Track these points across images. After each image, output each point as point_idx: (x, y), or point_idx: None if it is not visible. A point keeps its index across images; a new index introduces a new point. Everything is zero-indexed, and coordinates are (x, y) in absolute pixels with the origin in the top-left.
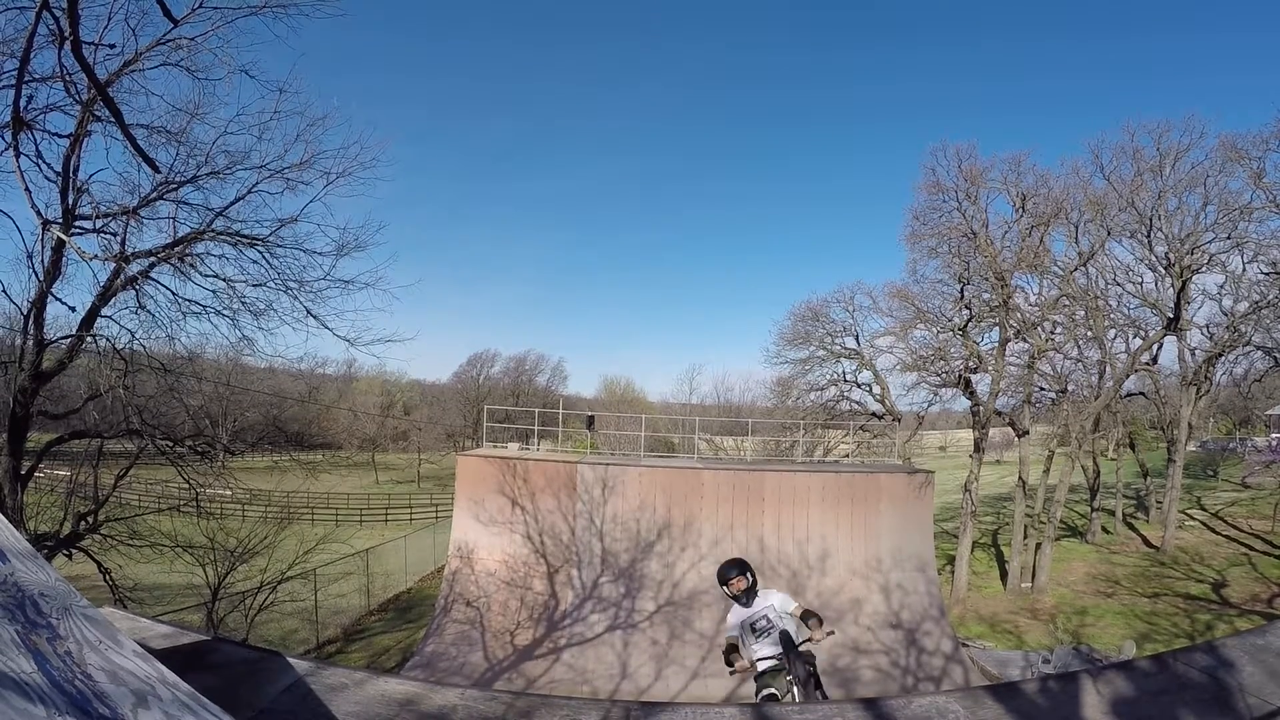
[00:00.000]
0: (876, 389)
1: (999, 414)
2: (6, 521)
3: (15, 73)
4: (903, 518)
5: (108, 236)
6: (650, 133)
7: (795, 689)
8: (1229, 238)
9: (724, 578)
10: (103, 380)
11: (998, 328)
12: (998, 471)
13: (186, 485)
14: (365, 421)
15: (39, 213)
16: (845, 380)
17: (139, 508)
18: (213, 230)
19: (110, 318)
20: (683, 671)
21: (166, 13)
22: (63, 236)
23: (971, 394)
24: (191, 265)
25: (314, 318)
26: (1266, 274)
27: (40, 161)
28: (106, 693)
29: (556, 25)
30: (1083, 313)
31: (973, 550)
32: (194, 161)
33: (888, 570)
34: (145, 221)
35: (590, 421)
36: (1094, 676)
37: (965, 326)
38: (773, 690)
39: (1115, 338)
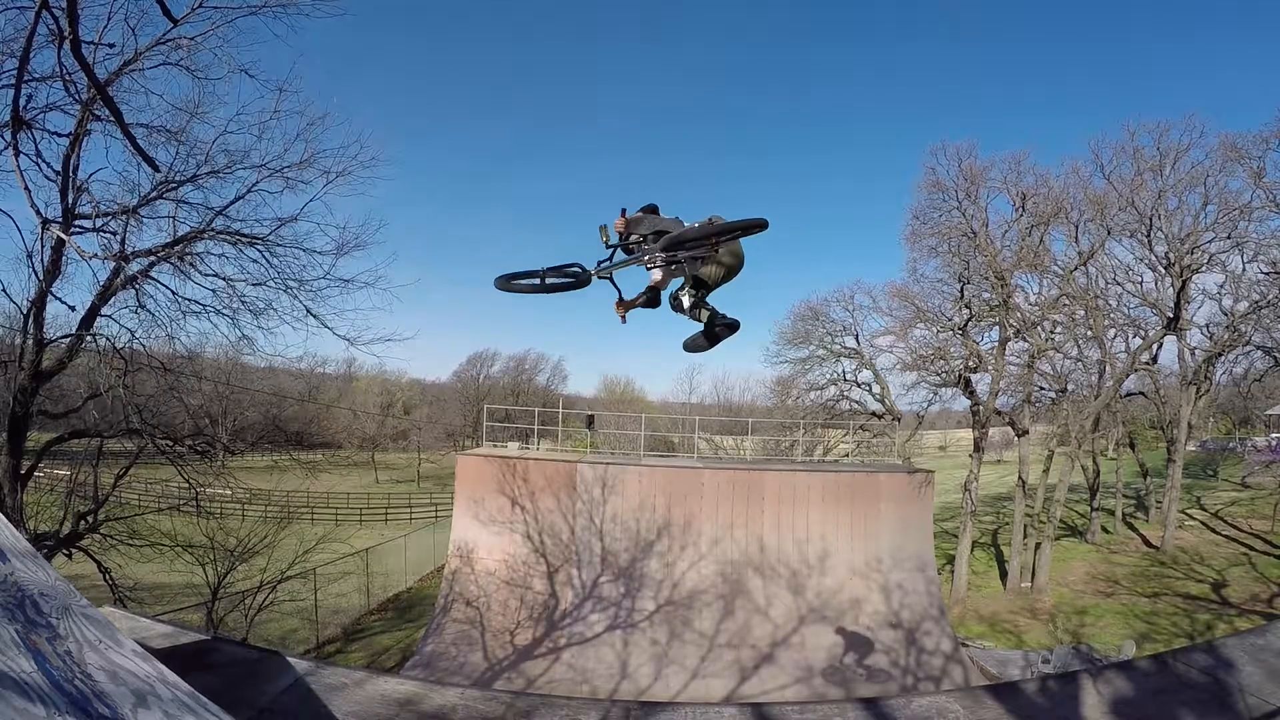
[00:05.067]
0: (876, 388)
1: (999, 413)
2: (6, 521)
3: (15, 72)
4: (903, 517)
5: (107, 235)
6: (650, 133)
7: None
8: (1229, 237)
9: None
10: (103, 379)
11: (998, 327)
12: (998, 471)
13: (186, 485)
14: (365, 421)
15: (39, 212)
16: (845, 380)
17: (139, 507)
18: (212, 229)
19: (110, 317)
20: (683, 671)
21: (166, 12)
22: (62, 235)
23: (971, 393)
24: (191, 264)
25: (314, 317)
26: (1266, 274)
27: (40, 161)
28: (106, 692)
29: (557, 26)
30: (1083, 312)
31: (973, 550)
32: (194, 161)
33: (888, 570)
34: (145, 221)
35: (590, 421)
36: (1094, 676)
37: (965, 326)
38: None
39: (1115, 337)
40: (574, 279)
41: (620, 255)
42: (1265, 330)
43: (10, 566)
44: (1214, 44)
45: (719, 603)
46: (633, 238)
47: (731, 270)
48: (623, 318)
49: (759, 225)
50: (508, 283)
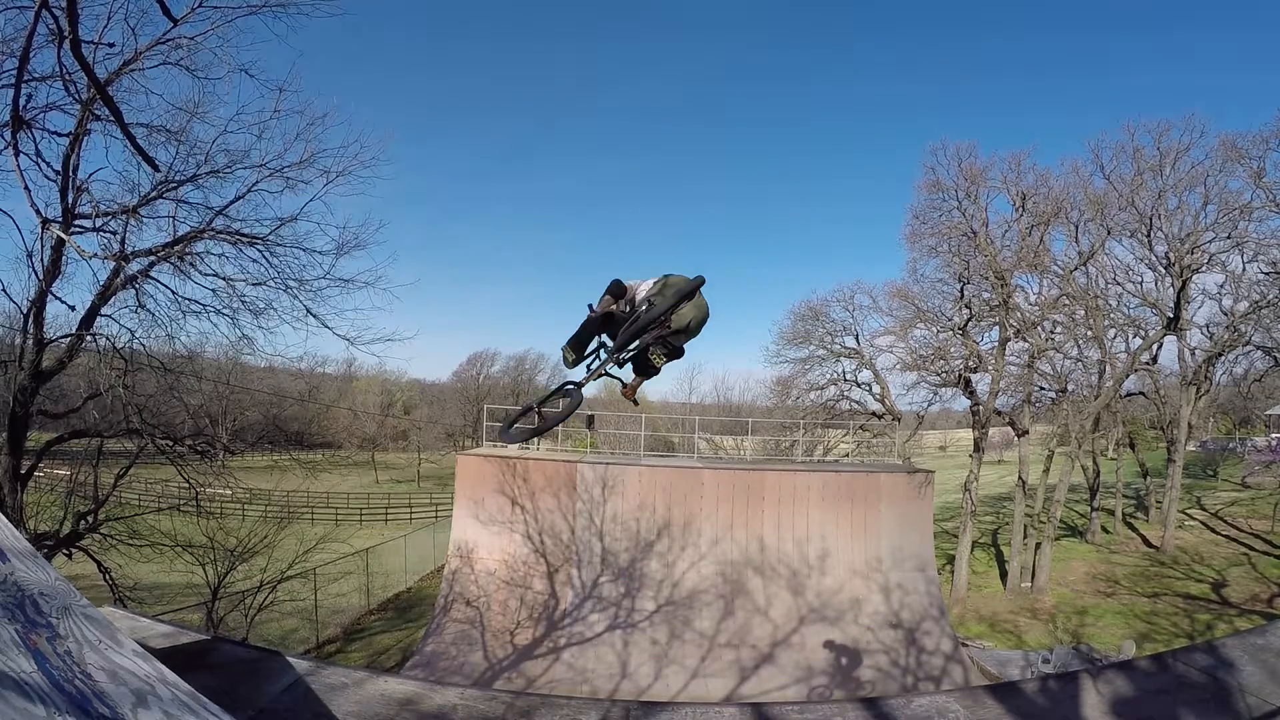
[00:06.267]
0: (876, 388)
1: (999, 414)
2: (6, 521)
3: (15, 72)
4: (903, 517)
5: (107, 235)
6: (650, 133)
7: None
8: (1229, 237)
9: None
10: (103, 379)
11: (998, 327)
12: (998, 471)
13: (186, 485)
14: (365, 421)
15: (39, 212)
16: (845, 380)
17: (139, 507)
18: (212, 229)
19: (110, 317)
20: (683, 671)
21: (166, 12)
22: (62, 235)
23: (971, 394)
24: (191, 264)
25: (314, 316)
26: (1266, 274)
27: (40, 160)
28: (106, 692)
29: (556, 25)
30: (1083, 312)
31: (973, 550)
32: (194, 160)
33: (888, 570)
34: (145, 220)
35: (590, 421)
36: (1094, 676)
37: (965, 326)
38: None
39: (1115, 337)
40: (569, 397)
41: (605, 347)
42: (1265, 330)
43: (10, 566)
44: (1215, 44)
45: (719, 603)
46: (591, 347)
47: (693, 330)
48: (634, 400)
49: (697, 285)
50: (509, 434)
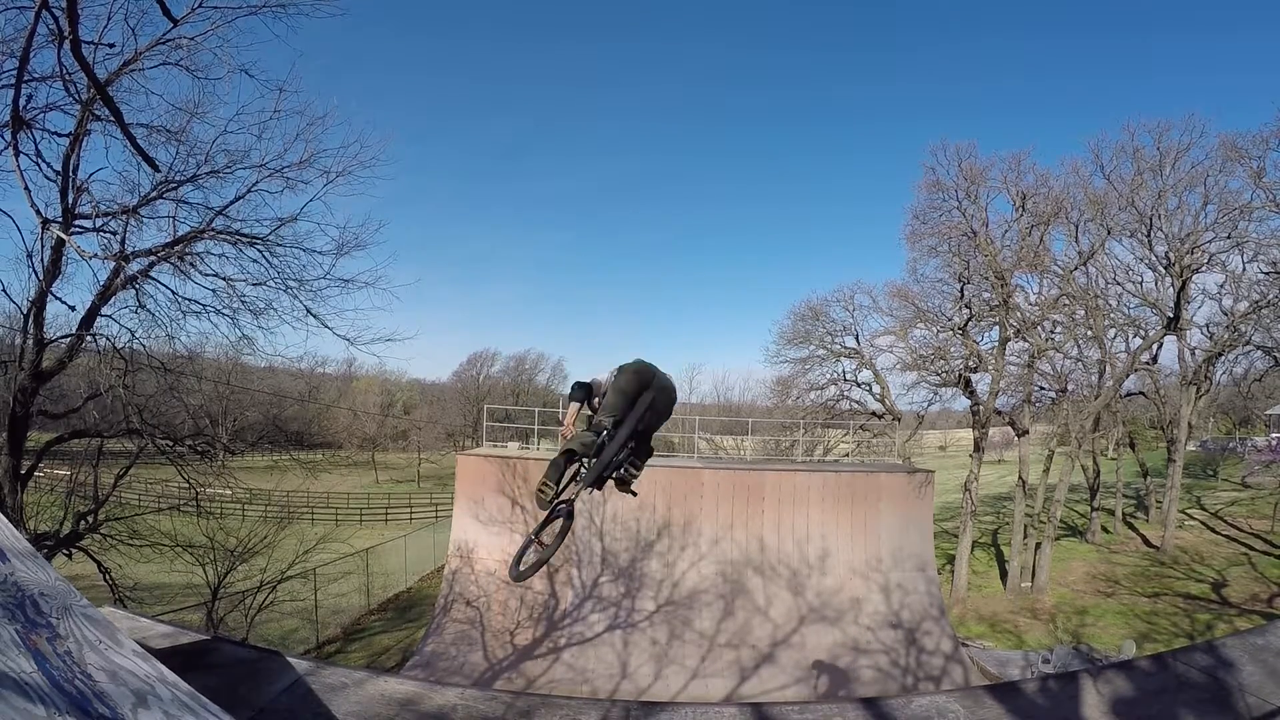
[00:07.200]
0: (876, 388)
1: (999, 413)
2: (6, 521)
3: (15, 72)
4: (903, 517)
5: (107, 235)
6: (650, 133)
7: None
8: (1229, 237)
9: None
10: (103, 379)
11: (998, 327)
12: (998, 471)
13: (186, 485)
14: (365, 421)
15: (39, 212)
16: (845, 379)
17: (139, 507)
18: (212, 229)
19: (110, 317)
20: (683, 671)
21: (166, 12)
22: (62, 235)
23: (971, 393)
24: (191, 264)
25: (314, 317)
26: (1266, 273)
27: (40, 160)
28: (106, 692)
29: (556, 25)
30: (1083, 312)
31: (973, 550)
32: (194, 160)
33: (888, 570)
34: (145, 220)
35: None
36: (1094, 676)
37: (965, 326)
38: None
39: (1115, 337)
40: (561, 518)
41: (581, 474)
42: (1265, 330)
43: (10, 566)
44: (1215, 44)
45: (719, 603)
46: (568, 477)
47: (658, 426)
48: (633, 493)
49: (647, 382)
50: (520, 574)
